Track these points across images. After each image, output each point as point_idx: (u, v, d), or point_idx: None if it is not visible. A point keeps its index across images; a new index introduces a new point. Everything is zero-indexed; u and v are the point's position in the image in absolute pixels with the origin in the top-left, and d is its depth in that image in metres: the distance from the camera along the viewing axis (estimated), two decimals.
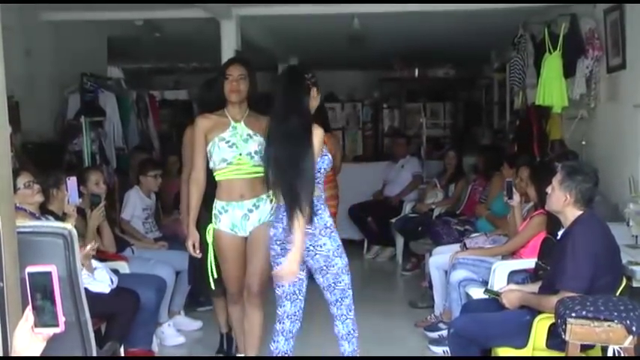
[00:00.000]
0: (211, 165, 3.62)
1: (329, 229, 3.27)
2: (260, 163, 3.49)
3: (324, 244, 3.25)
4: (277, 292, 3.39)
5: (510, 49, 6.65)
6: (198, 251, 3.71)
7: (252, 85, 3.67)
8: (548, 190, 3.35)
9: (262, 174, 3.42)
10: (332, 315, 3.39)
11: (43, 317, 1.66)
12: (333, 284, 3.30)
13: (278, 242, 3.30)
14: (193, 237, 3.70)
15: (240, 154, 3.56)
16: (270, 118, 3.34)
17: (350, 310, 3.38)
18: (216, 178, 3.63)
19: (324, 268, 3.27)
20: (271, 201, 3.58)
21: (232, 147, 3.57)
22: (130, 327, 3.95)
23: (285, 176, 3.17)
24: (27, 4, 5.83)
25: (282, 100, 3.29)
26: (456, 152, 7.20)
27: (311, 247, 3.23)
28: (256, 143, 3.56)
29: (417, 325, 4.99)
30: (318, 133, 3.22)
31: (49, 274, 1.64)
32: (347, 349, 3.41)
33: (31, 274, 1.65)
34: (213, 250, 3.73)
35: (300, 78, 3.32)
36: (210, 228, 3.68)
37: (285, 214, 3.18)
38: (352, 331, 3.40)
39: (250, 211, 3.61)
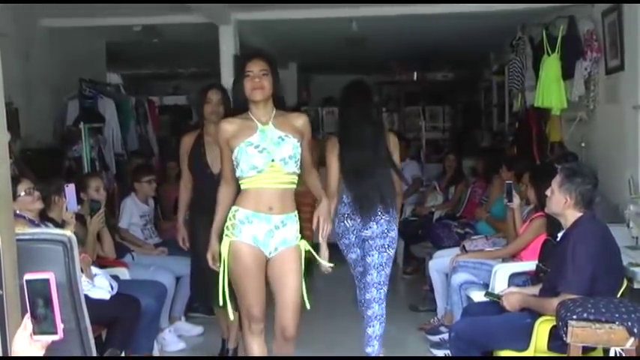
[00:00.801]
0: (238, 173, 3.21)
1: (395, 218, 3.99)
2: (294, 170, 3.21)
3: (393, 229, 3.96)
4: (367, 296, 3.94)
5: (509, 52, 6.67)
6: (218, 264, 3.28)
7: (276, 81, 3.28)
8: (548, 192, 3.35)
9: (294, 184, 3.23)
10: (368, 300, 3.95)
11: (42, 325, 1.65)
12: (384, 264, 3.93)
13: (354, 232, 3.95)
14: (214, 249, 3.32)
15: (273, 160, 3.14)
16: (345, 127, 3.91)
17: (385, 295, 3.97)
18: (243, 187, 3.23)
19: (386, 247, 3.92)
20: (297, 222, 3.26)
21: (263, 152, 3.15)
22: (130, 333, 3.94)
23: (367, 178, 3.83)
24: (26, 11, 5.84)
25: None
26: (455, 155, 7.20)
27: (385, 230, 3.91)
28: (290, 146, 3.18)
29: (421, 329, 4.98)
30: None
31: (46, 281, 1.63)
32: (377, 329, 3.95)
33: (29, 282, 1.64)
34: (228, 265, 3.24)
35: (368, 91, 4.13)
36: (225, 242, 3.23)
37: (356, 207, 3.89)
38: (384, 314, 3.97)
39: (277, 227, 3.20)
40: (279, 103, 3.32)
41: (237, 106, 3.33)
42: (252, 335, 3.31)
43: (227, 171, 3.31)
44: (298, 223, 3.27)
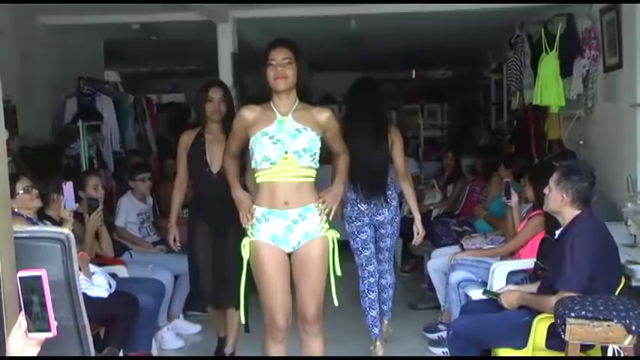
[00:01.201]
0: (253, 165, 3.16)
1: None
2: (310, 164, 3.12)
3: (398, 215, 4.45)
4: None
5: (507, 50, 6.67)
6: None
7: (301, 71, 3.18)
8: (546, 190, 3.35)
9: (311, 178, 3.14)
10: (382, 271, 4.48)
11: (36, 322, 1.65)
12: (394, 244, 4.50)
13: (369, 215, 4.29)
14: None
15: (287, 152, 3.06)
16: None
17: (394, 264, 4.68)
18: (257, 180, 3.15)
19: (395, 232, 4.40)
20: (320, 213, 3.15)
21: (277, 143, 3.07)
22: (128, 331, 3.94)
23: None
24: (24, 9, 5.83)
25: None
26: (453, 153, 7.20)
27: (394, 216, 4.35)
28: (306, 139, 3.09)
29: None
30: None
31: (39, 278, 1.63)
32: (390, 295, 4.57)
33: (22, 279, 1.64)
34: (250, 266, 3.16)
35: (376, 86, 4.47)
36: (245, 242, 3.15)
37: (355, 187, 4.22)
38: (395, 280, 4.64)
39: (295, 222, 3.10)
40: (305, 93, 3.22)
41: (261, 94, 3.21)
42: (273, 342, 3.17)
43: (232, 148, 3.36)
44: (322, 213, 3.15)
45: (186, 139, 4.13)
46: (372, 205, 4.30)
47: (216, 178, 3.97)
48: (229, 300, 3.94)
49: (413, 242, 4.41)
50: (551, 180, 3.30)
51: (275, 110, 3.14)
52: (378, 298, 4.44)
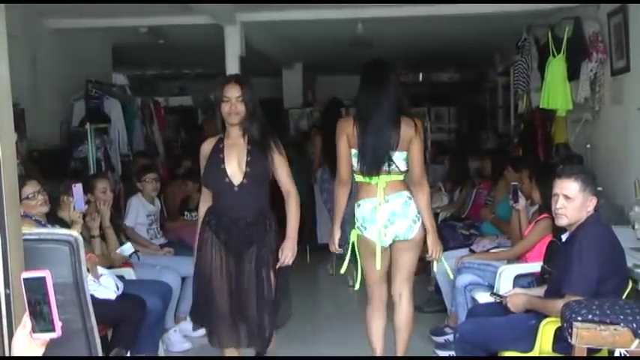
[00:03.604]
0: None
1: None
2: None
3: None
4: None
5: (514, 53, 6.66)
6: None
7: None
8: (560, 204, 3.25)
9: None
10: None
11: (41, 323, 1.66)
12: None
13: None
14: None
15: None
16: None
17: None
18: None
19: None
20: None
21: None
22: (136, 333, 3.95)
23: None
24: (33, 13, 5.87)
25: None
26: (452, 157, 7.21)
27: None
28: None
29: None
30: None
31: (43, 279, 1.63)
32: None
33: (26, 280, 1.64)
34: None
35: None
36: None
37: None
38: None
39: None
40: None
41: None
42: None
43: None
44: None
45: (206, 148, 3.61)
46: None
47: (237, 190, 3.48)
48: (251, 340, 3.55)
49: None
50: (571, 190, 3.21)
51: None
52: None
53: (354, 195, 3.77)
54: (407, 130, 3.53)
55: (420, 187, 3.60)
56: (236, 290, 3.49)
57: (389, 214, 3.55)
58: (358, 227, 3.64)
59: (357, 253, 3.68)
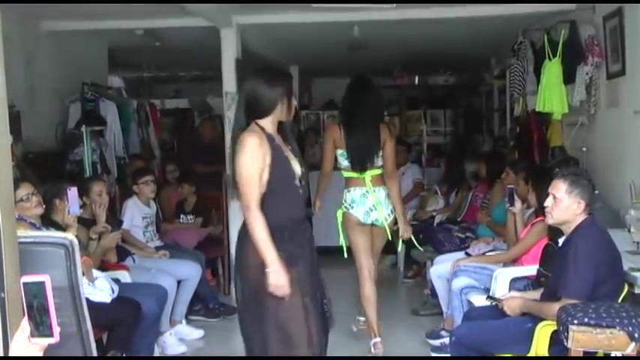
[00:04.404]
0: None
1: None
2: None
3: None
4: None
5: (510, 56, 6.66)
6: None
7: None
8: (548, 202, 3.32)
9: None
10: None
11: (39, 327, 1.65)
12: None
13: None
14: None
15: None
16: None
17: None
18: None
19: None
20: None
21: None
22: (131, 336, 3.94)
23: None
24: (28, 15, 5.85)
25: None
26: (446, 159, 7.22)
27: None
28: None
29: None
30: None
31: (42, 284, 1.63)
32: None
33: (25, 284, 1.64)
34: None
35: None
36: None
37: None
38: None
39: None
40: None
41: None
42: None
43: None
44: None
45: (263, 144, 2.99)
46: None
47: (302, 192, 3.16)
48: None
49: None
50: (559, 191, 3.26)
51: None
52: None
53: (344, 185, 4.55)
54: (383, 134, 4.45)
55: (393, 179, 4.53)
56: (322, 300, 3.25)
57: (375, 201, 4.42)
58: (345, 207, 4.47)
59: (341, 229, 4.52)
